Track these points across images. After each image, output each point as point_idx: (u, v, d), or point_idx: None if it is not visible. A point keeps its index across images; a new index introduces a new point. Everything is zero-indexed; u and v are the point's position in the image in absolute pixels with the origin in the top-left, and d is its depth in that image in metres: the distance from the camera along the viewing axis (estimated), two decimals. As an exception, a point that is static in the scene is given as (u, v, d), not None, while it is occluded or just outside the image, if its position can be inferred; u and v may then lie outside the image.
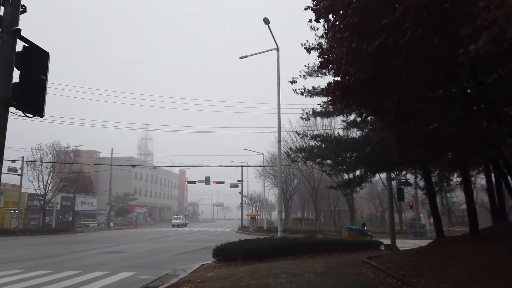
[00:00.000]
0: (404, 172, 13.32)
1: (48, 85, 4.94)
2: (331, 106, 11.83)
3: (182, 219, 57.80)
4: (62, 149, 40.15)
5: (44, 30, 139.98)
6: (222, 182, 42.88)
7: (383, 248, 16.95)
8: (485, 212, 36.67)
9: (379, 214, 55.50)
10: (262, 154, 40.29)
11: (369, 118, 9.41)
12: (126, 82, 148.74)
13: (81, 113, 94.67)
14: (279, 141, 15.78)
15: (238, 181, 42.90)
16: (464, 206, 45.24)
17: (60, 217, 49.76)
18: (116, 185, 66.64)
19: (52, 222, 44.05)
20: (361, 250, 15.28)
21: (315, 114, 13.65)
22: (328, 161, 12.52)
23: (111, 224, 57.80)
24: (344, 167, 12.10)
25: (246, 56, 17.88)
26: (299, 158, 12.66)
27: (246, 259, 11.43)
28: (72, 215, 46.65)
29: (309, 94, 13.21)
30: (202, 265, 11.51)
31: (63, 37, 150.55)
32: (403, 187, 19.17)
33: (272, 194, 66.80)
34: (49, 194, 40.15)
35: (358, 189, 13.35)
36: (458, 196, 41.48)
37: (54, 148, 38.63)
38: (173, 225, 55.24)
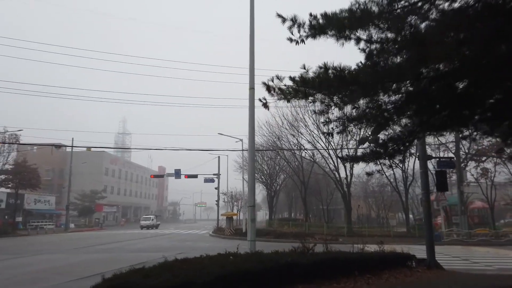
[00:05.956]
0: (476, 134, 7.00)
1: None
2: None
3: (153, 219, 50.75)
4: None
5: None
6: (195, 176, 36.19)
7: (414, 264, 11.11)
8: None
9: (375, 214, 49.96)
10: (241, 140, 33.47)
11: None
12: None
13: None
14: (252, 88, 9.47)
15: (214, 174, 36.25)
16: (476, 204, 39.33)
17: (6, 217, 42.59)
18: (84, 182, 59.90)
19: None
20: (386, 270, 9.73)
21: (316, 28, 7.18)
22: (348, 105, 6.07)
23: (72, 225, 50.77)
24: (386, 113, 5.55)
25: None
26: (288, 94, 6.21)
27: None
28: (14, 215, 39.50)
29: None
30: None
31: None
32: (444, 169, 12.58)
33: (256, 192, 60.30)
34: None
35: (397, 160, 7.12)
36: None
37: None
38: (142, 227, 48.19)
